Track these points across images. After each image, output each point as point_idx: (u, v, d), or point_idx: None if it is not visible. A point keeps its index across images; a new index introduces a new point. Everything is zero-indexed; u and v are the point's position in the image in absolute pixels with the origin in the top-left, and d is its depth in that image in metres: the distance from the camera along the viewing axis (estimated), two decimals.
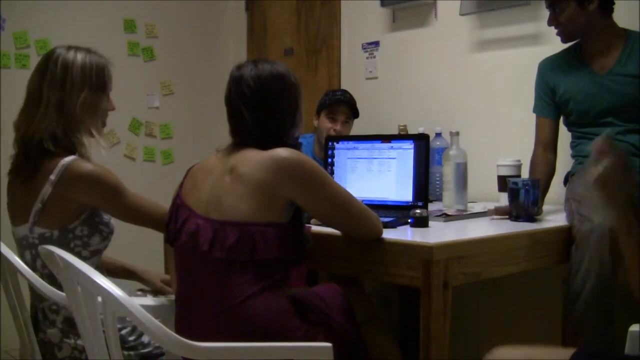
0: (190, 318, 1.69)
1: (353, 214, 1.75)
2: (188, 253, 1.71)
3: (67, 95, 1.87)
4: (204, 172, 1.77)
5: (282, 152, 1.65)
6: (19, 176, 1.89)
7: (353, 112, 3.03)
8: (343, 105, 3.00)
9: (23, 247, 1.89)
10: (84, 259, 1.86)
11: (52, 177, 1.81)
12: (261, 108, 1.72)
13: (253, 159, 1.66)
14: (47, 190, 1.82)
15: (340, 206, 1.73)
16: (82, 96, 1.88)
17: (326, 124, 2.98)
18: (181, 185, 1.81)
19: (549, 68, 2.46)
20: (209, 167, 1.76)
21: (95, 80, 1.91)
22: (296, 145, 1.76)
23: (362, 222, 1.76)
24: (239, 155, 1.70)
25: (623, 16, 2.35)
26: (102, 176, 1.84)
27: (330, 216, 1.76)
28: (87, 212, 1.88)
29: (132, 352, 1.83)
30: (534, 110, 2.51)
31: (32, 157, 1.85)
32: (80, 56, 1.91)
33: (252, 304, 1.61)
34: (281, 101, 1.74)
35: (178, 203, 1.77)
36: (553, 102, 2.44)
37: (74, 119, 1.87)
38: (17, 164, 1.90)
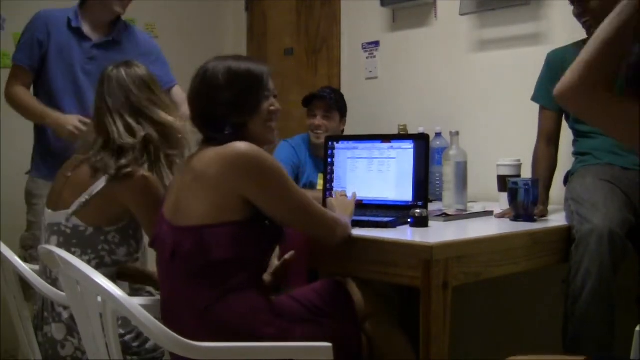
0: (170, 322, 1.68)
1: (312, 216, 1.73)
2: (159, 260, 1.74)
3: None
4: (178, 173, 1.80)
5: (236, 146, 1.64)
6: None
7: (337, 105, 3.06)
8: (318, 100, 3.04)
9: (53, 232, 1.92)
10: (105, 265, 1.90)
11: (109, 172, 1.86)
12: (198, 101, 1.76)
13: (208, 155, 1.67)
14: (99, 184, 1.86)
15: (297, 207, 1.70)
16: None
17: (308, 122, 3.07)
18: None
19: (559, 59, 2.42)
20: (181, 168, 1.79)
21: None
22: (238, 133, 1.72)
23: (324, 223, 1.75)
24: (200, 153, 1.71)
25: None
26: (151, 185, 1.89)
27: (287, 217, 1.72)
28: (125, 222, 1.92)
29: (135, 357, 1.83)
30: (537, 100, 2.48)
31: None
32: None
33: (216, 310, 1.61)
34: (221, 91, 1.73)
35: (162, 206, 1.79)
36: None
37: None
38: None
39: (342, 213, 1.92)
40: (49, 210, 1.95)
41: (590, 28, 2.30)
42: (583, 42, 2.40)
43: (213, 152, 1.66)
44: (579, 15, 2.29)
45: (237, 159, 1.63)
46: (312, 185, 2.98)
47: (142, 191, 1.88)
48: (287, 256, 1.95)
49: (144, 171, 1.90)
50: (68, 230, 1.88)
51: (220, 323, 1.59)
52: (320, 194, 2.61)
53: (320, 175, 2.94)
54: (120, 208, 1.89)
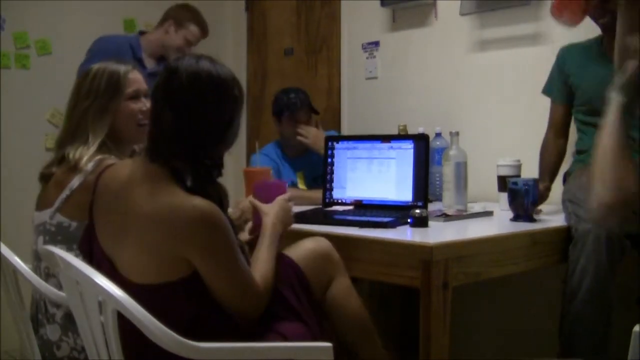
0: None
1: (236, 286, 1.53)
2: None
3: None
4: (113, 190, 1.58)
5: (194, 206, 1.45)
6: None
7: (311, 109, 3.06)
8: (302, 110, 3.02)
9: (39, 232, 1.93)
10: None
11: (87, 168, 1.86)
12: (186, 110, 1.51)
13: (158, 202, 1.47)
14: (78, 179, 1.86)
15: (229, 275, 1.52)
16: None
17: (291, 129, 3.01)
18: (94, 189, 1.64)
19: (569, 55, 2.47)
20: (116, 188, 1.57)
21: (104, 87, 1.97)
22: (215, 166, 1.57)
23: (249, 302, 1.56)
24: (145, 188, 1.49)
25: None
26: None
27: (216, 282, 1.51)
28: None
29: None
30: (547, 93, 2.53)
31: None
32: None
33: None
34: (211, 109, 1.53)
35: (90, 225, 1.62)
36: (567, 88, 2.46)
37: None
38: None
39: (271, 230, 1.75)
40: (36, 212, 1.95)
41: (608, 28, 2.30)
42: (595, 41, 2.41)
43: (165, 201, 1.46)
44: (597, 16, 2.31)
45: (190, 223, 1.45)
46: (294, 185, 3.00)
47: None
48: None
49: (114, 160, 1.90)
50: (52, 228, 1.89)
51: None
52: (316, 195, 2.62)
53: (299, 174, 2.99)
54: None
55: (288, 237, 1.84)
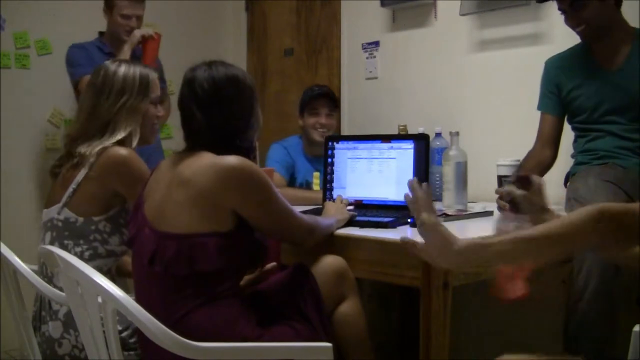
0: None
1: (292, 226, 1.77)
2: (136, 262, 1.72)
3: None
4: (159, 174, 1.76)
5: (229, 159, 1.63)
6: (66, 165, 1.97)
7: (335, 103, 3.06)
8: (323, 99, 3.03)
9: (47, 228, 1.94)
10: (100, 256, 1.91)
11: (90, 159, 1.89)
12: (213, 109, 1.70)
13: (198, 164, 1.64)
14: (83, 172, 1.89)
15: (281, 219, 1.73)
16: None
17: (310, 120, 3.01)
18: (146, 184, 1.79)
19: (556, 66, 2.45)
20: (163, 171, 1.75)
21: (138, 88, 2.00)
22: (250, 149, 1.76)
23: (301, 232, 1.81)
24: (188, 161, 1.68)
25: (624, 16, 2.35)
26: (130, 160, 1.90)
27: (269, 228, 1.73)
28: (115, 210, 1.93)
29: (132, 353, 1.84)
30: (539, 108, 2.51)
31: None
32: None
33: (194, 318, 1.58)
34: (234, 103, 1.72)
35: (139, 203, 1.75)
36: (559, 99, 2.44)
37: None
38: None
39: (332, 216, 2.00)
40: (45, 210, 1.97)
41: (586, 36, 2.31)
42: (580, 48, 2.41)
43: (204, 162, 1.64)
44: (573, 25, 2.31)
45: (233, 173, 1.61)
46: (307, 185, 2.98)
47: (120, 168, 1.89)
48: (268, 266, 1.94)
49: (122, 149, 1.92)
50: (60, 224, 1.91)
51: (195, 331, 1.51)
52: (316, 195, 2.61)
53: (316, 175, 2.95)
54: (108, 192, 1.91)
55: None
